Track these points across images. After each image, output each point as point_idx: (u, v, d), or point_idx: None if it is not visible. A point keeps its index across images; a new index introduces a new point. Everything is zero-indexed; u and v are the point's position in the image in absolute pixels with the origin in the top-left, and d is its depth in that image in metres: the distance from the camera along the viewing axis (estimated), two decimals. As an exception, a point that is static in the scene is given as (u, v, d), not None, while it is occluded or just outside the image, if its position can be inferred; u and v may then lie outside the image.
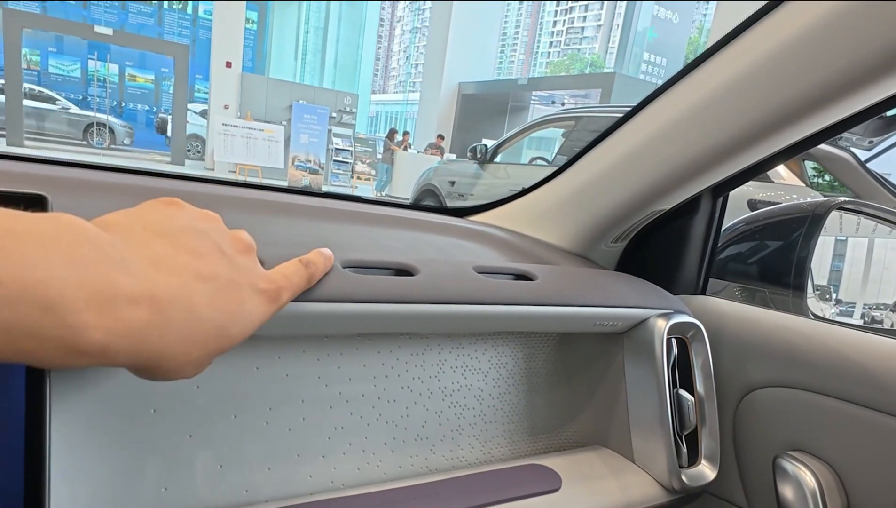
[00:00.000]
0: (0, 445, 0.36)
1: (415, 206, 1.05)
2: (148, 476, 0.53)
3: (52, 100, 12.74)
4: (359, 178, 12.60)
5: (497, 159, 6.08)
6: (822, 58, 0.56)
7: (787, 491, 0.70)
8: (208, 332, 0.34)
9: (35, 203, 0.37)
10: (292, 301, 0.48)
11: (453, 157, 11.37)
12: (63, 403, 0.49)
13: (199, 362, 0.35)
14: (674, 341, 0.75)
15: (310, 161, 11.40)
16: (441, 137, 13.12)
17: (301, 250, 0.52)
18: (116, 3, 17.16)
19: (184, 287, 0.32)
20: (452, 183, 6.45)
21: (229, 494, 0.57)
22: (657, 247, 0.88)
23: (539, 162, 6.89)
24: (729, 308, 0.82)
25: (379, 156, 12.91)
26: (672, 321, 0.72)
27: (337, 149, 12.23)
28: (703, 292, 0.90)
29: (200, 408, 0.56)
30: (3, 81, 9.79)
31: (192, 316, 0.32)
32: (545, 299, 0.65)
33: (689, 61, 0.71)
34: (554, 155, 6.15)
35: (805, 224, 0.91)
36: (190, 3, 18.01)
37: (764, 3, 0.61)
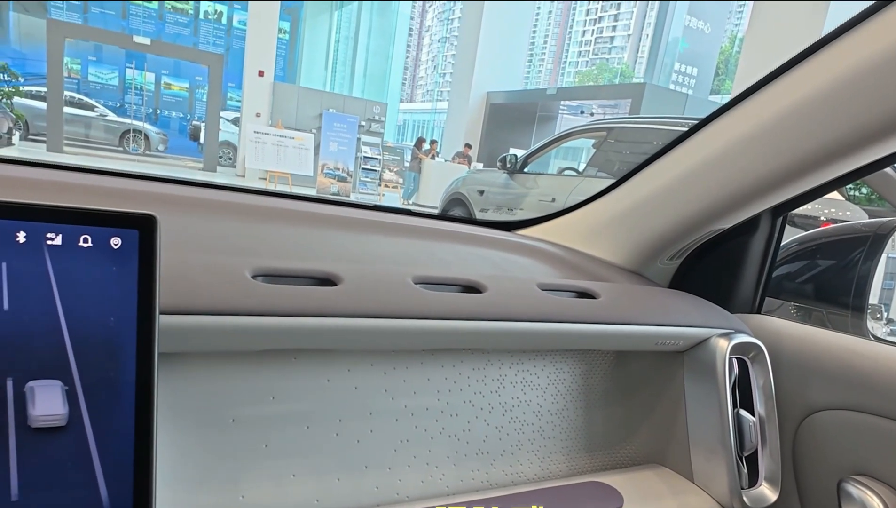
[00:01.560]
0: (113, 459, 0.38)
1: (462, 219, 1.06)
2: (227, 482, 0.55)
3: (90, 107, 13.11)
4: (386, 186, 12.69)
5: (526, 170, 6.07)
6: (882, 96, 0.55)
7: (853, 517, 0.69)
8: None
9: (144, 223, 0.39)
10: (365, 317, 0.50)
11: (480, 166, 11.37)
12: (163, 417, 0.51)
13: None
14: (734, 360, 0.74)
15: (338, 169, 11.52)
16: (468, 145, 13.15)
17: (378, 264, 0.54)
18: (154, 14, 17.63)
19: None
20: (481, 192, 6.45)
21: (301, 503, 0.58)
22: (713, 265, 0.87)
23: (568, 172, 6.86)
24: (787, 328, 0.82)
25: (406, 164, 12.99)
26: (734, 342, 0.72)
27: (365, 157, 12.35)
28: (759, 312, 0.89)
29: (275, 419, 0.58)
30: (45, 89, 10.12)
31: None
32: (608, 318, 0.65)
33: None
34: (583, 166, 6.13)
35: (866, 244, 0.90)
36: (225, 13, 18.41)
37: (846, 20, 0.60)
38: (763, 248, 0.85)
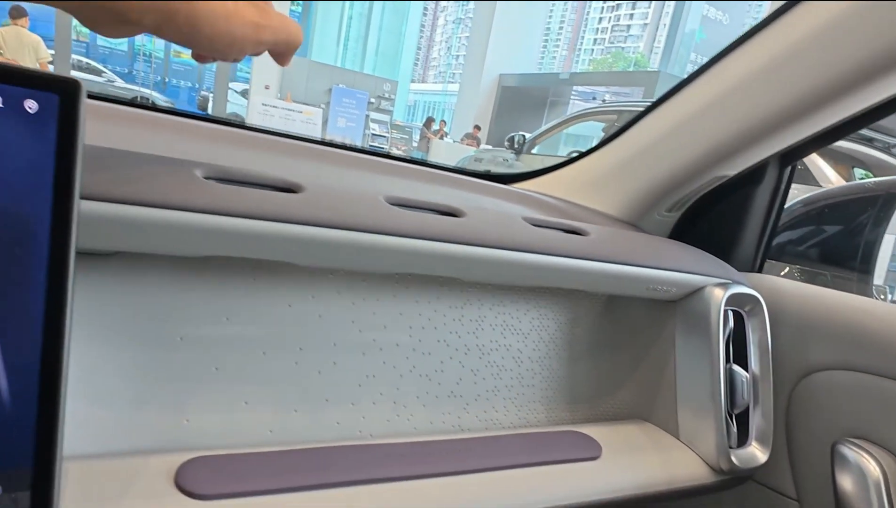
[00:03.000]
0: (15, 359, 0.33)
1: (458, 169, 1.01)
2: (170, 405, 0.51)
3: (98, 72, 13.02)
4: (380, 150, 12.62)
5: (534, 151, 6.00)
6: None
7: (846, 481, 0.64)
8: None
9: (66, 86, 0.35)
10: (334, 228, 0.46)
11: (489, 147, 11.27)
12: (85, 317, 0.47)
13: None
14: (730, 313, 0.69)
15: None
16: (478, 127, 13.05)
17: (351, 191, 0.50)
18: (166, -19, 17.45)
19: None
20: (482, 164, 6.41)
21: (253, 432, 0.54)
22: (714, 219, 0.83)
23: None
24: (788, 286, 0.77)
25: (415, 144, 12.91)
26: (730, 292, 0.67)
27: (373, 134, 12.27)
28: (760, 271, 0.84)
29: (229, 341, 0.53)
30: (53, 52, 10.06)
31: None
32: (597, 256, 0.60)
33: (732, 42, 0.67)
34: (592, 149, 6.05)
35: (876, 205, 0.85)
36: (237, -17, 18.23)
37: None
38: (768, 201, 0.80)
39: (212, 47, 0.35)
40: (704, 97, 0.70)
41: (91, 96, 0.59)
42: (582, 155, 0.93)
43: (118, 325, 0.48)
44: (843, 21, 0.56)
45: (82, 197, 0.35)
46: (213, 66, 13.22)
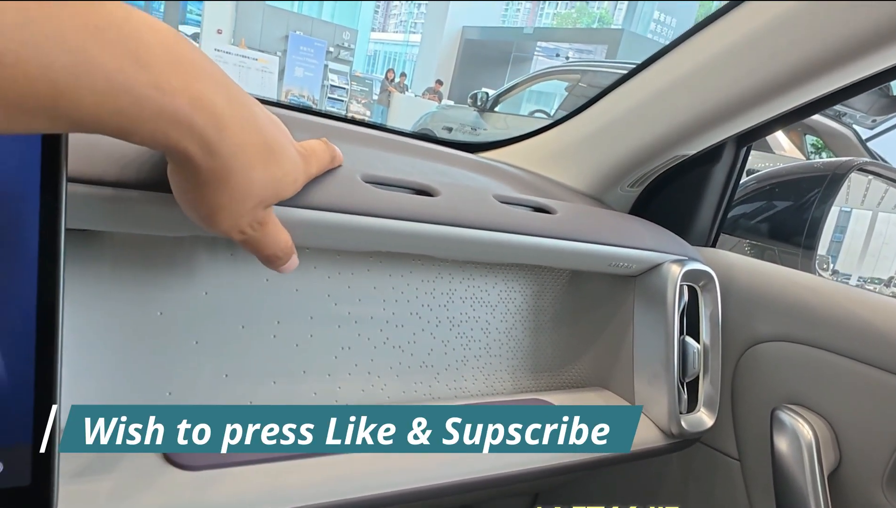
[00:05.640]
0: (12, 333, 0.34)
1: (424, 137, 1.01)
2: (152, 378, 0.52)
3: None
4: (353, 117, 12.36)
5: (497, 109, 5.98)
6: (856, 10, 0.54)
7: (783, 443, 0.71)
8: (262, 153, 0.34)
9: None
10: (311, 209, 0.46)
11: (451, 103, 11.15)
12: (75, 294, 0.47)
13: (263, 190, 0.35)
14: (685, 288, 0.74)
15: (303, 96, 11.12)
16: (440, 82, 12.85)
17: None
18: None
19: (253, 107, 0.34)
20: (449, 130, 6.35)
21: (234, 404, 0.56)
22: (673, 195, 0.86)
23: (539, 115, 6.79)
24: (739, 261, 0.82)
25: (375, 96, 12.63)
26: (686, 268, 0.71)
27: (332, 86, 11.93)
28: (714, 246, 0.89)
29: (208, 315, 0.54)
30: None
31: (258, 131, 0.34)
32: (564, 234, 0.63)
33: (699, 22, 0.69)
34: (555, 109, 6.06)
35: (823, 184, 0.90)
36: (187, -83, 17.14)
37: None
38: (724, 179, 0.84)
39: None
40: (666, 79, 0.73)
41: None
42: (548, 127, 0.95)
43: (99, 302, 0.48)
44: (800, 12, 0.59)
45: None
46: (162, 6, 12.53)
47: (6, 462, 0.35)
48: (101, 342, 0.49)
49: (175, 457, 0.45)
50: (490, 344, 0.73)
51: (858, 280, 1.34)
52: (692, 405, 0.75)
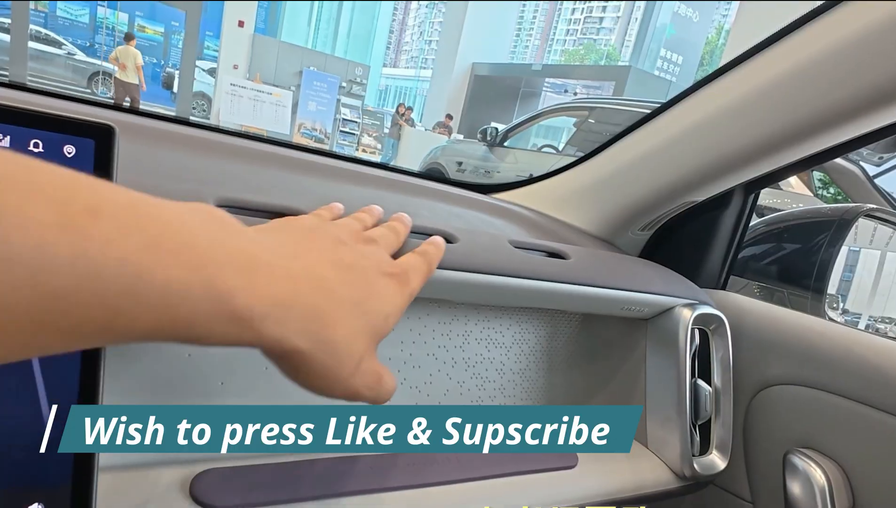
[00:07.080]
0: (56, 390, 0.36)
1: (438, 178, 1.04)
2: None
3: (57, 44, 12.53)
4: (364, 150, 12.52)
5: (506, 144, 6.06)
6: (876, 61, 0.56)
7: (796, 487, 0.71)
8: (351, 311, 0.33)
9: (102, 132, 0.37)
10: None
11: (461, 137, 11.30)
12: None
13: (365, 347, 0.34)
14: (696, 331, 0.75)
15: (316, 129, 11.31)
16: (450, 116, 13.05)
17: (353, 210, 0.53)
18: (131, -48, 16.85)
19: (316, 268, 0.32)
20: (460, 164, 6.43)
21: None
22: (683, 239, 0.88)
23: (548, 150, 6.87)
24: (749, 305, 0.83)
25: (386, 130, 12.83)
26: (697, 312, 0.73)
27: (344, 119, 12.15)
28: (724, 288, 0.90)
29: (232, 359, 0.56)
30: (9, 20, 9.64)
31: (331, 294, 0.32)
32: (577, 279, 0.65)
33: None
34: (563, 144, 6.13)
35: (831, 229, 0.91)
36: (206, -43, 17.69)
37: (819, 2, 0.61)
38: (733, 225, 0.86)
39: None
40: (677, 127, 0.75)
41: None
42: (560, 170, 0.97)
43: (130, 345, 0.51)
44: (810, 67, 0.61)
45: None
46: (179, 42, 12.88)
47: (48, 502, 0.37)
48: (132, 382, 0.51)
49: (201, 495, 0.46)
50: (504, 385, 0.75)
51: (869, 320, 1.34)
52: (705, 448, 0.75)
